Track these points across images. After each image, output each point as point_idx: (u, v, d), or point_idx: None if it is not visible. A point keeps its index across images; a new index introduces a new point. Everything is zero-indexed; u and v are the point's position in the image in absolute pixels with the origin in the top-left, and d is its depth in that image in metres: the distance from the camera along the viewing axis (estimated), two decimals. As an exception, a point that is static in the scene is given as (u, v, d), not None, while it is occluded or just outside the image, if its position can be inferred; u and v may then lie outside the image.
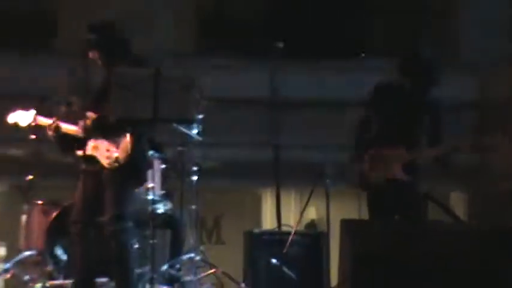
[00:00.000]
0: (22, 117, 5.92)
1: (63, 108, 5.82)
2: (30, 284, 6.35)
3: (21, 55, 9.13)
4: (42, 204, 6.81)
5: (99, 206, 5.53)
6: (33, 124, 5.90)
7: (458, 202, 9.10)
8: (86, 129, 5.57)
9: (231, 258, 7.05)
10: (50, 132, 5.75)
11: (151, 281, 6.00)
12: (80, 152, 5.59)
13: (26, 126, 5.93)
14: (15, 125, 5.94)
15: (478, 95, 8.88)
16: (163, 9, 9.32)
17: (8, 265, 7.03)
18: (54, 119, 5.74)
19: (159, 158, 6.50)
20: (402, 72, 6.05)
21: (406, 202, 5.96)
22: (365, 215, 6.11)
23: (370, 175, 5.98)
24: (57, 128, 5.71)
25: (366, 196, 6.13)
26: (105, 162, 5.51)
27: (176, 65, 6.06)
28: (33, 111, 5.89)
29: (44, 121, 5.81)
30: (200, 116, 6.65)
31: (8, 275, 6.80)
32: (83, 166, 5.59)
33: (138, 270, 5.79)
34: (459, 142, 5.96)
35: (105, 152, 5.53)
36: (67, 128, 5.70)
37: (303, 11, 9.45)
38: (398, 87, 6.07)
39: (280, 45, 5.75)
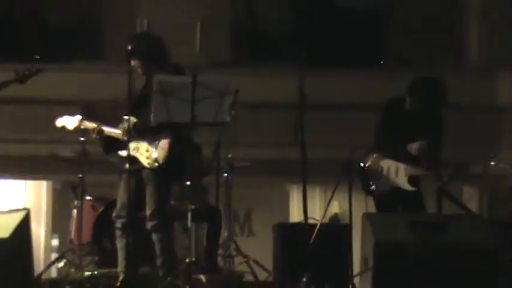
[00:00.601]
0: (69, 122, 5.95)
1: (107, 112, 5.84)
2: (80, 272, 6.40)
3: (70, 64, 9.19)
4: (90, 200, 6.86)
5: (140, 202, 5.54)
6: (80, 127, 5.93)
7: (470, 196, 9.00)
8: (127, 132, 5.58)
9: (261, 249, 7.06)
10: (94, 135, 5.78)
11: (190, 270, 6.00)
12: (122, 153, 5.61)
13: (72, 130, 5.95)
14: (63, 128, 5.97)
15: (482, 99, 8.73)
16: (200, 21, 9.33)
17: (60, 255, 7.11)
18: (97, 123, 5.76)
19: (195, 158, 6.50)
20: (410, 93, 6.04)
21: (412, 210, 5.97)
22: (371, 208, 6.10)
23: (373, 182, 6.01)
24: (100, 132, 5.75)
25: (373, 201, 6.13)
26: (145, 162, 5.54)
27: (212, 73, 6.05)
28: (78, 116, 5.92)
29: (89, 125, 5.84)
30: (234, 119, 6.64)
31: (61, 264, 6.87)
32: (125, 165, 5.60)
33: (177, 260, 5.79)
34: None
35: (145, 152, 5.55)
36: (110, 131, 5.73)
37: (326, 23, 9.45)
38: (406, 106, 6.08)
39: (305, 54, 5.73)
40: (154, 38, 5.82)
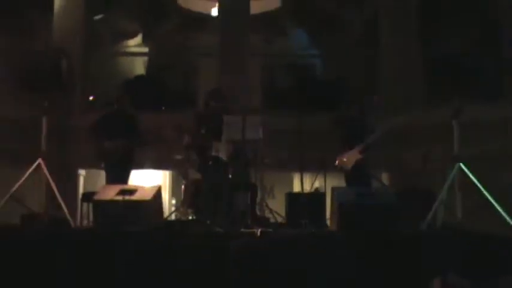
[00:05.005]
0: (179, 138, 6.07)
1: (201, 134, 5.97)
2: (186, 217, 6.32)
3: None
4: (191, 180, 6.93)
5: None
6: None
7: (385, 178, 9.01)
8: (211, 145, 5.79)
9: (280, 205, 7.07)
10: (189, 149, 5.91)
11: (241, 217, 6.07)
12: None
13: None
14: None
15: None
16: (248, 81, 9.43)
17: (176, 208, 7.18)
18: (189, 138, 5.80)
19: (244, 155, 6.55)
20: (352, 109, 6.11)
21: (362, 177, 5.99)
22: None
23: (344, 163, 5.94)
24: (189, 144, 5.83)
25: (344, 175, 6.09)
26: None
27: (251, 114, 6.12)
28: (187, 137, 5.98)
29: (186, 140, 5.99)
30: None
31: (176, 213, 7.04)
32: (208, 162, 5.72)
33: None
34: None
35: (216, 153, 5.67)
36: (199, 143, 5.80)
37: (313, 87, 9.58)
38: (349, 117, 6.07)
39: (303, 104, 5.79)
40: (220, 92, 5.91)
